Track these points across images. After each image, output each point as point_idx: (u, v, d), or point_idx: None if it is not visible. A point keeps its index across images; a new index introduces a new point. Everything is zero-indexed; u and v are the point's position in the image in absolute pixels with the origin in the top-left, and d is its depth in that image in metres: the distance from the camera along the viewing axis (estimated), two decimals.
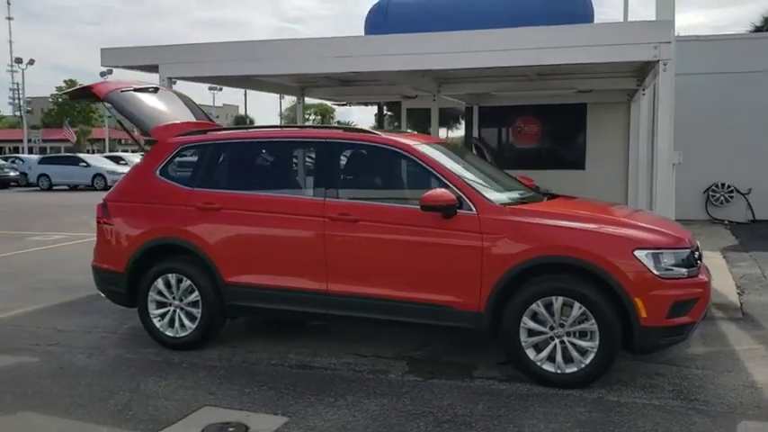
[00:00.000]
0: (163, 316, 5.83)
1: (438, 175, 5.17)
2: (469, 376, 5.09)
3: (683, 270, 4.76)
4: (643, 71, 10.26)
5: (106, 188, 27.88)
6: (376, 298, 5.19)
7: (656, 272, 4.63)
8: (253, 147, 6.01)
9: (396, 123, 37.14)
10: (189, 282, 5.71)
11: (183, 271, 5.73)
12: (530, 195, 5.67)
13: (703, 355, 5.53)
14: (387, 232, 5.17)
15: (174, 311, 5.80)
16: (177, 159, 6.01)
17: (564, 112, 14.71)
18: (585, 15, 10.70)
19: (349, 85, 12.01)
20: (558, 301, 4.77)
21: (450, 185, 5.07)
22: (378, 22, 10.68)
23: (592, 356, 4.72)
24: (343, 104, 14.73)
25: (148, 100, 6.50)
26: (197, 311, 5.71)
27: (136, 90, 6.48)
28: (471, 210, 4.98)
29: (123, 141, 79.72)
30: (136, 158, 32.84)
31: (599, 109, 14.69)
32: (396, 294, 5.14)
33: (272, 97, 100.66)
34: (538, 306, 4.81)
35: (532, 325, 4.84)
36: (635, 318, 4.61)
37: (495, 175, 5.87)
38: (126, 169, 29.42)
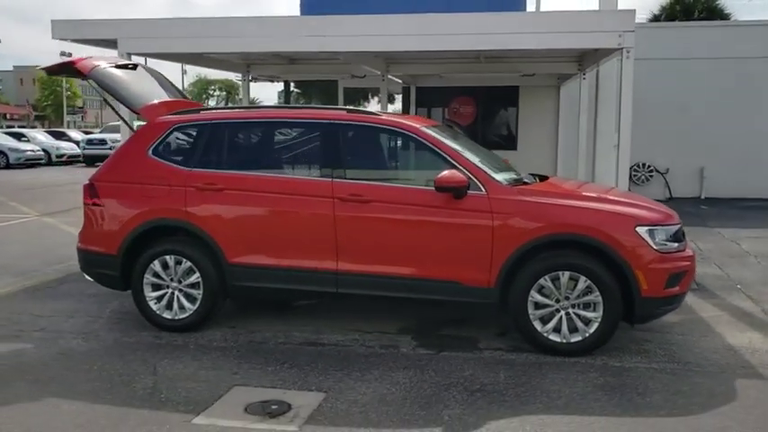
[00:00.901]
0: (159, 299, 5.75)
1: (447, 156, 5.36)
2: (477, 348, 5.35)
3: (675, 244, 5.18)
4: (584, 57, 10.83)
5: (8, 167, 26.31)
6: (387, 276, 5.34)
7: (654, 246, 5.03)
8: (254, 127, 5.98)
9: (302, 101, 36.99)
10: (189, 263, 5.65)
11: (182, 252, 5.67)
12: (524, 176, 5.95)
13: (678, 322, 6.02)
14: (398, 212, 5.31)
15: (173, 293, 5.72)
16: (170, 139, 5.90)
17: (498, 94, 15.23)
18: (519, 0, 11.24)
19: (296, 63, 11.97)
20: (564, 276, 5.09)
21: (460, 167, 5.27)
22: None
23: (596, 326, 5.08)
24: (251, 80, 14.49)
25: (130, 77, 6.31)
26: (197, 293, 5.67)
27: (117, 67, 6.29)
28: (481, 190, 5.21)
29: (9, 116, 74.83)
30: (39, 135, 31.10)
31: (530, 92, 15.31)
32: (407, 272, 5.31)
33: (173, 71, 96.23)
34: (545, 281, 5.11)
35: (540, 298, 5.14)
36: (636, 289, 4.99)
37: (488, 156, 6.11)
38: (29, 146, 27.93)
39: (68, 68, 6.12)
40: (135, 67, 6.54)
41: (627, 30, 7.38)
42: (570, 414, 4.12)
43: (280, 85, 25.98)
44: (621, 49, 7.43)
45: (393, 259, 5.34)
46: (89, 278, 6.14)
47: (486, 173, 5.34)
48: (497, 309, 5.29)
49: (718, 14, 31.28)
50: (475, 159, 5.51)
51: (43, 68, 6.43)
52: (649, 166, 15.12)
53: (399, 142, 5.61)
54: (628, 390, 4.50)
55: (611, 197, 5.51)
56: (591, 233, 5.05)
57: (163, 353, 5.24)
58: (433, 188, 5.22)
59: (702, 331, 5.81)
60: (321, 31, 8.17)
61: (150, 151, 5.85)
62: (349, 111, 5.78)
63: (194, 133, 5.86)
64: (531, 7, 15.20)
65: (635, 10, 7.45)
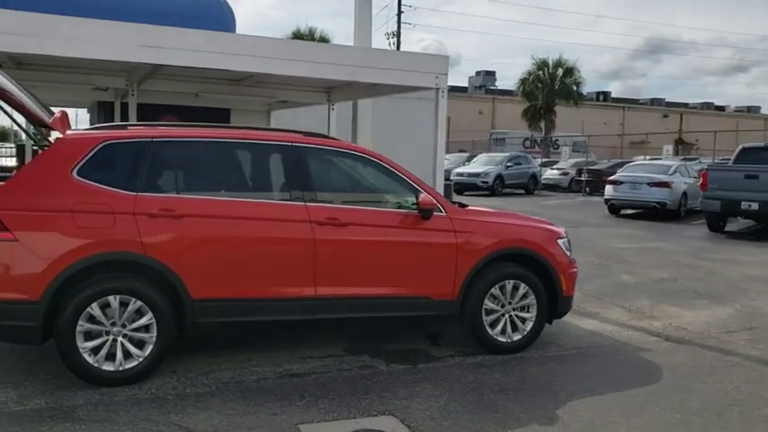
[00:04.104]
0: (96, 349, 4.81)
1: (407, 180, 5.72)
2: (437, 358, 5.79)
3: (570, 253, 6.43)
4: (332, 89, 11.76)
5: None
6: (364, 297, 5.46)
7: (567, 255, 6.20)
8: (207, 147, 5.37)
9: None
10: (139, 303, 4.88)
11: (132, 291, 4.86)
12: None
13: None
14: (374, 234, 5.49)
15: (114, 341, 4.86)
16: (100, 158, 4.98)
17: (209, 116, 15.06)
18: (230, 21, 11.97)
19: (25, 69, 10.23)
20: (509, 284, 5.90)
21: (420, 190, 5.70)
22: None
23: (531, 325, 6.00)
24: None
25: (9, 81, 5.08)
26: (148, 336, 4.93)
27: None
28: (442, 212, 5.71)
29: None
30: None
31: (242, 115, 15.56)
32: (383, 292, 5.52)
33: None
34: (495, 289, 5.86)
35: (490, 305, 5.86)
36: (560, 290, 6.07)
37: None
38: None
39: None
40: None
41: (442, 72, 8.52)
42: (598, 395, 4.97)
43: None
44: (438, 89, 8.54)
45: (370, 280, 5.48)
46: None
47: (440, 195, 5.86)
48: (458, 319, 5.83)
49: None
50: (426, 184, 5.98)
51: None
52: None
53: (360, 166, 5.75)
54: (596, 372, 5.57)
55: (526, 216, 6.53)
56: (531, 246, 5.98)
57: (154, 408, 4.48)
58: (400, 209, 5.61)
59: (559, 323, 7.16)
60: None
61: (75, 172, 4.87)
62: (305, 134, 5.67)
63: (133, 152, 5.06)
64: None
65: (448, 56, 8.67)
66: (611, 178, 20.34)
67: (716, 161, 25.01)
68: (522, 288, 5.93)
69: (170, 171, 5.18)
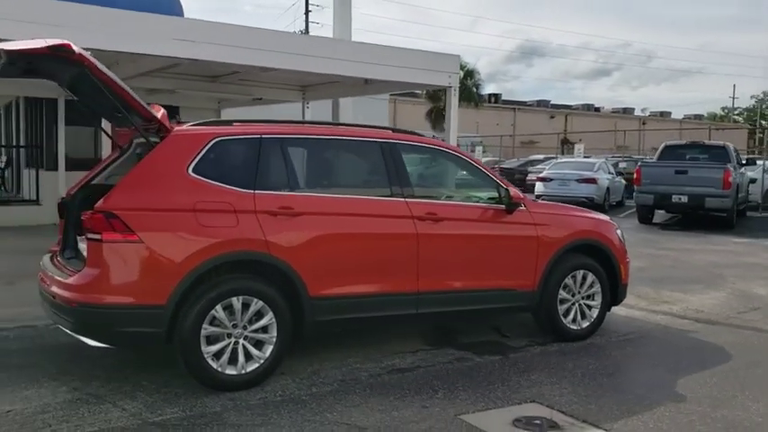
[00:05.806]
0: (219, 353, 4.63)
1: (489, 175, 5.86)
2: (517, 348, 5.94)
3: (624, 242, 6.78)
4: (306, 88, 11.70)
5: None
6: (459, 290, 5.56)
7: (623, 245, 6.55)
8: (312, 144, 5.26)
9: None
10: (260, 303, 4.74)
11: (255, 291, 4.71)
12: None
13: None
14: (466, 228, 5.61)
15: (236, 343, 4.69)
16: (213, 155, 4.78)
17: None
18: (179, 10, 11.92)
19: None
20: (580, 274, 6.18)
21: (501, 185, 5.85)
22: None
23: (596, 312, 6.30)
24: None
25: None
26: (268, 337, 4.80)
27: None
28: (522, 205, 5.90)
29: None
30: None
31: (191, 113, 15.15)
32: (477, 284, 5.64)
33: None
34: (568, 279, 6.12)
35: (564, 295, 6.11)
36: (620, 279, 6.42)
37: None
38: None
39: (54, 55, 4.20)
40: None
41: (454, 72, 8.73)
42: (695, 372, 5.33)
43: None
44: (450, 87, 8.72)
45: (464, 274, 5.58)
46: (95, 343, 4.48)
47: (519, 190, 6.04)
48: (536, 310, 6.03)
49: None
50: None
51: (8, 53, 4.19)
52: None
53: (445, 161, 5.81)
54: (671, 353, 5.93)
55: (583, 209, 6.82)
56: (599, 237, 6.29)
57: (301, 409, 4.39)
58: (484, 203, 5.75)
59: None
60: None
61: (191, 169, 4.66)
62: (394, 130, 5.67)
63: (245, 149, 4.91)
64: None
65: (459, 55, 8.85)
66: (540, 176, 21.29)
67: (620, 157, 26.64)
68: (590, 277, 6.22)
69: (280, 168, 5.03)
